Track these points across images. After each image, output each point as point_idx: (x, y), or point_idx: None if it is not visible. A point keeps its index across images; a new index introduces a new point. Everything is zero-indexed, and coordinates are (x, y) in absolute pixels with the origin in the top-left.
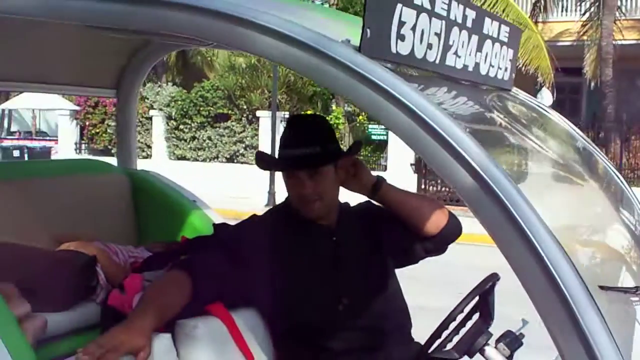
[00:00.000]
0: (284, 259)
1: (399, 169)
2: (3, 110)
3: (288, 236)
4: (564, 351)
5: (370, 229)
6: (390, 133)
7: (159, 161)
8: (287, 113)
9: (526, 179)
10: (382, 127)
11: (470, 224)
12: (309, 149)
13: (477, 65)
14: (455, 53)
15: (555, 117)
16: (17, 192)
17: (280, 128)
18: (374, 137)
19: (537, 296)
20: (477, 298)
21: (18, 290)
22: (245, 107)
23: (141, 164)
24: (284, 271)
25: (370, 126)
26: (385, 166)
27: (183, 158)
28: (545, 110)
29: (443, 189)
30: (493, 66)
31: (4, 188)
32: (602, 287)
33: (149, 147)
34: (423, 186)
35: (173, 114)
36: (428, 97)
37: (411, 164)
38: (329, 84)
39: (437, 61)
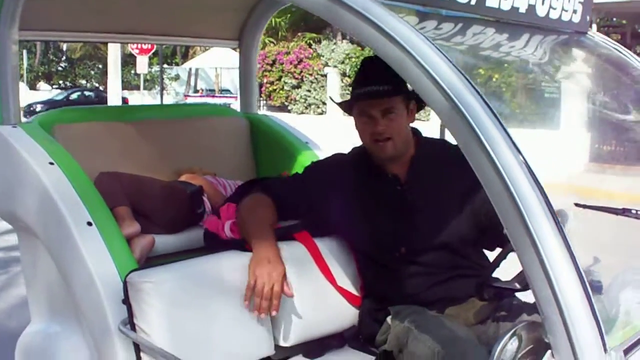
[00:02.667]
0: (352, 199)
1: (572, 128)
2: (190, 69)
3: (358, 178)
4: (521, 259)
5: (458, 176)
6: (563, 91)
7: (333, 117)
8: None
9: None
10: (555, 84)
11: None
12: (381, 86)
13: (531, 7)
14: None
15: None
16: (143, 131)
17: None
18: (546, 95)
19: (501, 210)
20: None
21: (131, 213)
22: None
23: (317, 120)
24: (351, 210)
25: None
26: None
27: None
28: (627, 56)
29: (617, 148)
30: (554, 8)
31: (133, 127)
32: (577, 205)
33: (324, 103)
34: (596, 145)
35: (347, 70)
36: (417, 30)
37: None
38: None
39: (473, 1)
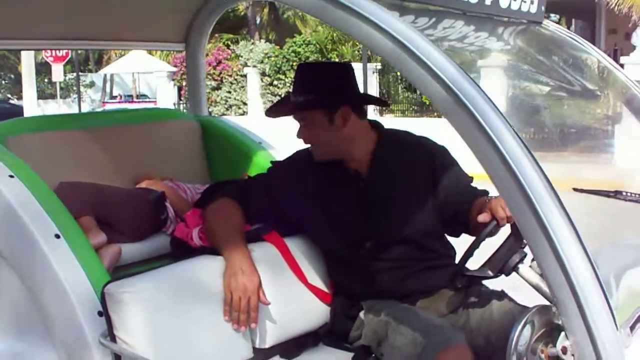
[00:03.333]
0: (316, 197)
1: None
2: (105, 75)
3: (321, 176)
4: (532, 245)
5: (422, 170)
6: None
7: (255, 117)
8: (379, 64)
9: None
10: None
11: None
12: (299, 97)
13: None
14: None
15: (588, 47)
16: (98, 139)
17: (372, 79)
18: None
19: (508, 197)
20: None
21: (96, 223)
22: (337, 60)
23: (238, 121)
24: (315, 208)
25: None
26: None
27: None
28: (577, 42)
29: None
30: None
31: (86, 135)
32: (575, 189)
33: (245, 104)
34: None
35: (267, 70)
36: (409, 23)
37: None
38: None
39: None
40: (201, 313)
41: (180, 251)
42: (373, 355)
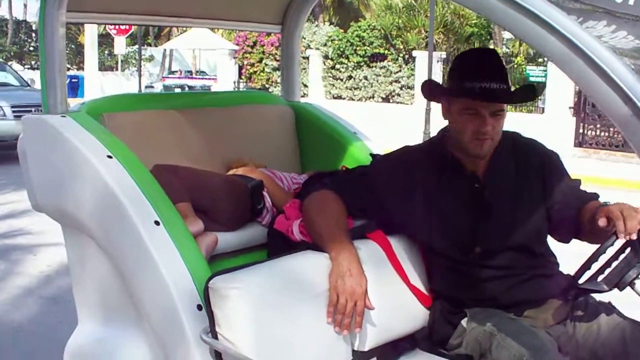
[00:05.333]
0: (427, 197)
1: (557, 112)
2: (165, 50)
3: (433, 175)
4: None
5: (534, 175)
6: (549, 75)
7: (315, 100)
8: (443, 53)
9: None
10: (541, 68)
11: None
12: (500, 85)
13: None
14: None
15: None
16: (191, 120)
17: (437, 68)
18: (532, 79)
19: None
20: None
21: (193, 210)
22: (401, 46)
23: None
24: (426, 209)
25: (528, 67)
26: (543, 109)
27: (339, 97)
28: None
29: (602, 133)
30: None
31: (180, 116)
32: None
33: (306, 86)
34: (581, 130)
35: (330, 53)
36: (587, 29)
37: (570, 107)
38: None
39: None
40: (304, 312)
41: (279, 244)
42: None
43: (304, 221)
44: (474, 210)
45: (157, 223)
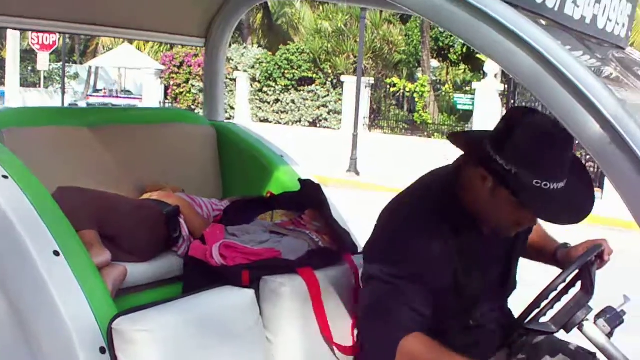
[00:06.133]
0: (460, 261)
1: None
2: (90, 68)
3: (455, 240)
4: None
5: None
6: (476, 103)
7: (241, 123)
8: (372, 79)
9: None
10: (468, 96)
11: None
12: (563, 183)
13: (594, 17)
14: (574, 2)
15: None
16: (105, 138)
17: (365, 94)
18: (459, 106)
19: None
20: (578, 270)
21: (100, 238)
22: (330, 71)
23: None
24: (458, 273)
25: (455, 95)
26: None
27: (266, 120)
28: None
29: None
30: (611, 20)
31: (90, 133)
32: None
33: (232, 108)
34: None
35: (257, 76)
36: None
37: None
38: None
39: (557, 8)
40: (223, 356)
41: (196, 275)
42: None
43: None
44: (482, 271)
45: (56, 253)
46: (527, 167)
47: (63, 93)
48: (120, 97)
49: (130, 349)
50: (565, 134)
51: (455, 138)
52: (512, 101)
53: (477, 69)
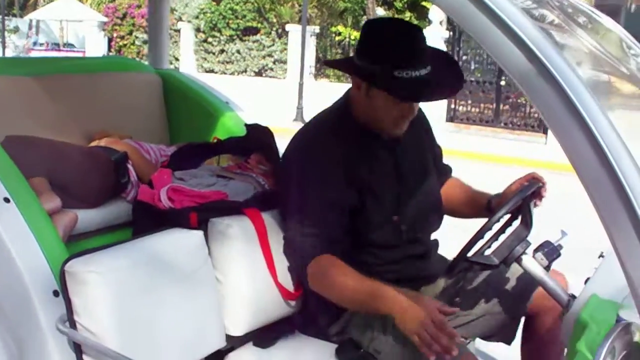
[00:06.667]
0: (359, 180)
1: None
2: (31, 21)
3: (356, 154)
4: (616, 238)
5: (427, 141)
6: None
7: (185, 72)
8: (317, 27)
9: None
10: None
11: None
12: (427, 68)
13: None
14: None
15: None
16: (50, 87)
17: (310, 42)
18: None
19: (593, 185)
20: (519, 202)
21: (49, 185)
22: (274, 20)
23: None
24: (361, 191)
25: None
26: None
27: (211, 71)
28: (598, 15)
29: (473, 109)
30: None
31: (35, 83)
32: None
33: (177, 59)
34: (453, 105)
35: (202, 26)
36: None
37: None
38: None
39: None
40: (173, 296)
41: (145, 219)
42: (362, 350)
43: (333, 297)
44: (397, 182)
45: (6, 200)
46: (385, 62)
47: (3, 47)
48: (63, 50)
49: (82, 290)
50: (412, 26)
51: (331, 63)
52: (457, 48)
53: (422, 16)
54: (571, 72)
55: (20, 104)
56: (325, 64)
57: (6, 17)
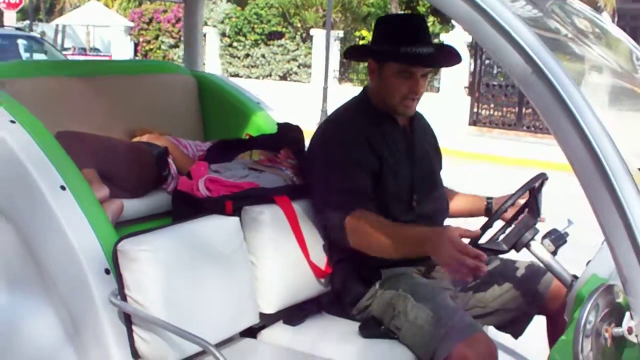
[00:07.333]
0: (376, 146)
1: (452, 92)
2: (57, 26)
3: (376, 132)
4: (604, 224)
5: (435, 144)
6: None
7: None
8: (341, 32)
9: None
10: None
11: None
12: (430, 48)
13: None
14: None
15: (617, 31)
16: (92, 88)
17: (334, 47)
18: None
19: (581, 173)
20: (527, 193)
21: (98, 176)
22: (299, 25)
23: None
24: (381, 166)
25: None
26: (438, 88)
27: (236, 75)
28: (605, 23)
29: (495, 113)
30: None
31: (81, 83)
32: None
33: (203, 63)
34: (475, 109)
35: (227, 30)
36: None
37: (465, 87)
38: None
39: None
40: (212, 275)
41: (184, 207)
42: (383, 327)
43: (367, 248)
44: (410, 160)
45: (63, 188)
46: (392, 41)
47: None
48: (90, 55)
49: (134, 266)
50: (414, 15)
51: (349, 50)
52: (480, 52)
53: (445, 20)
54: (562, 72)
55: (65, 103)
56: (346, 53)
57: (33, 23)
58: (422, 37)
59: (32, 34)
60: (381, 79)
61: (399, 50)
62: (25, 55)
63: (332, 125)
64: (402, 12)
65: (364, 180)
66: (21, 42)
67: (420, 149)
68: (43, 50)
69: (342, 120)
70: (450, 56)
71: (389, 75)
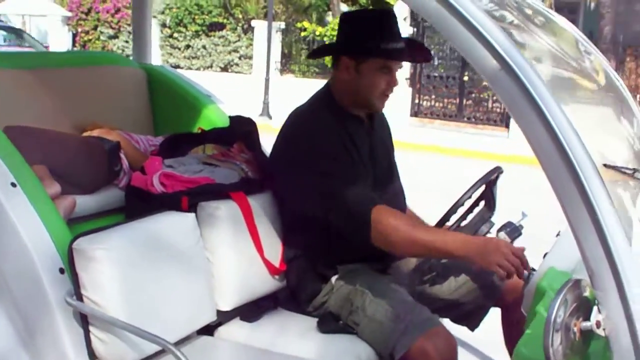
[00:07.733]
0: (347, 147)
1: None
2: None
3: (342, 130)
4: (571, 218)
5: (390, 140)
6: None
7: None
8: (282, 23)
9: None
10: None
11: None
12: (402, 44)
13: None
14: None
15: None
16: (38, 81)
17: (276, 38)
18: None
19: (550, 168)
20: (482, 187)
21: (49, 172)
22: (240, 16)
23: None
24: (349, 155)
25: None
26: None
27: (177, 66)
28: (552, 14)
29: (436, 104)
30: None
31: (26, 76)
32: (605, 166)
33: None
34: (417, 100)
35: (167, 21)
36: None
37: (406, 79)
38: None
39: None
40: (169, 272)
41: (137, 203)
42: (341, 322)
43: (392, 246)
44: (372, 162)
45: (13, 185)
46: (373, 37)
47: None
48: (26, 46)
49: (90, 265)
50: (387, 11)
51: (317, 51)
52: None
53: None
54: (530, 69)
55: (9, 97)
56: (312, 54)
57: None
58: (398, 32)
59: None
60: (359, 75)
61: (380, 46)
62: None
63: (308, 123)
64: (343, 4)
65: (364, 180)
66: None
67: (381, 146)
68: None
69: (317, 117)
70: (421, 51)
71: (369, 72)
